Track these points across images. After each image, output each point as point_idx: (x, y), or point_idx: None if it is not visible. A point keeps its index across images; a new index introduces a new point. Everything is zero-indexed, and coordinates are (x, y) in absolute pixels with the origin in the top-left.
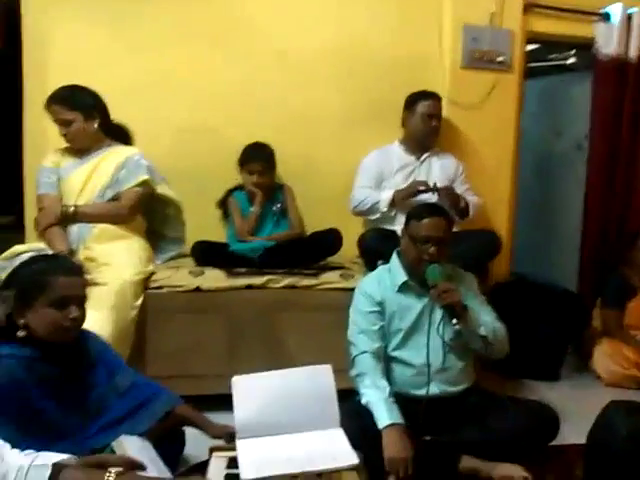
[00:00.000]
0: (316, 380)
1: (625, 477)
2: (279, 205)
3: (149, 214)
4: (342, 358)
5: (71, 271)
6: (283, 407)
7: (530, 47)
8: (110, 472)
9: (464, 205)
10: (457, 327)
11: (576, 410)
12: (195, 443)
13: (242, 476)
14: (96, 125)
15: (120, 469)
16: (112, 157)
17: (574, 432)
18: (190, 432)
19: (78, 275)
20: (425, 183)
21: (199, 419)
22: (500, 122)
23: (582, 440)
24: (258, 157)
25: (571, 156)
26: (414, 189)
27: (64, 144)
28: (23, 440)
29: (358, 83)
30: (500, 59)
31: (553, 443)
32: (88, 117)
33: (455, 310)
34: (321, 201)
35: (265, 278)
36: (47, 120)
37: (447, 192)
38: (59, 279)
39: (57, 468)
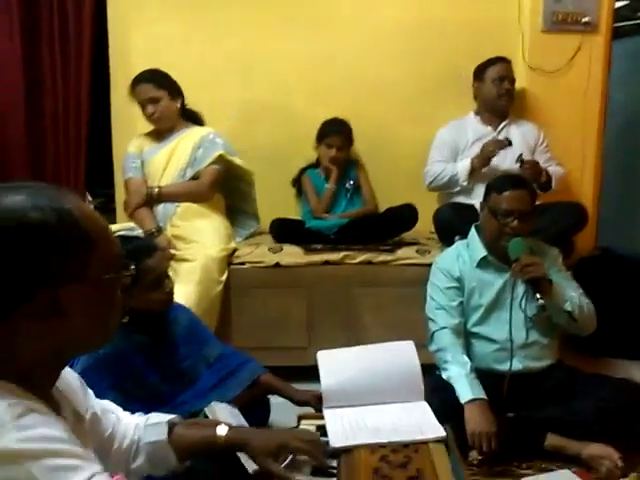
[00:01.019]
0: (400, 355)
1: None
2: (352, 182)
3: (226, 190)
4: (419, 333)
5: (151, 249)
6: (368, 379)
7: (618, 4)
8: (220, 423)
9: (546, 178)
10: (541, 302)
11: None
12: (280, 411)
13: (331, 443)
14: (179, 105)
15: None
16: (189, 138)
17: None
18: (275, 402)
19: (158, 250)
20: (501, 141)
21: (284, 387)
22: (585, 88)
23: None
24: (338, 131)
25: None
26: (489, 150)
27: (148, 129)
28: (128, 406)
29: (433, 54)
30: (585, 19)
31: None
32: (173, 96)
33: (539, 284)
34: (395, 177)
35: (342, 254)
36: (133, 106)
37: (530, 165)
38: (147, 263)
39: (171, 425)
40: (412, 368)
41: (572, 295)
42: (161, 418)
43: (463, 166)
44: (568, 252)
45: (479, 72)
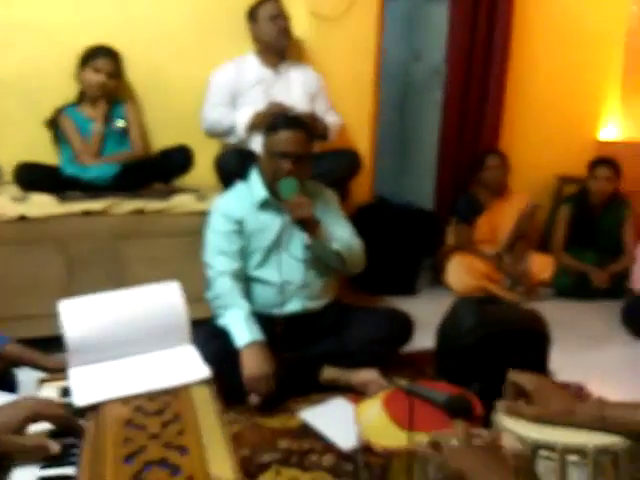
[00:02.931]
0: (161, 297)
1: (472, 364)
2: (121, 122)
3: None
4: (197, 286)
5: None
6: (123, 328)
7: None
8: None
9: (323, 130)
10: (308, 242)
11: (431, 320)
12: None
13: (75, 402)
14: None
15: None
16: None
17: (429, 339)
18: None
19: None
20: (282, 106)
21: (32, 355)
22: (361, 39)
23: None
24: (108, 54)
25: (430, 81)
26: (271, 113)
27: None
28: None
29: None
30: None
31: (408, 350)
32: None
33: (307, 224)
34: (170, 117)
35: (106, 203)
36: None
37: (307, 117)
38: None
39: None
40: (175, 310)
41: (341, 235)
42: None
43: (243, 119)
44: (344, 197)
45: (252, 14)
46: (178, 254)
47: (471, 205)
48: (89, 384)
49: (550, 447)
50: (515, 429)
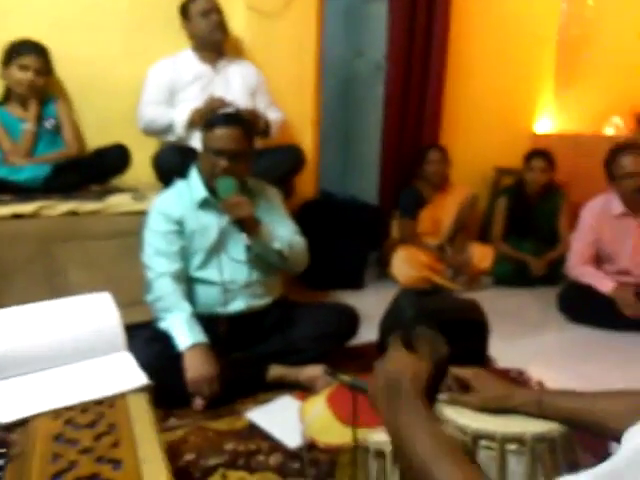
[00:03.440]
0: (91, 307)
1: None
2: (53, 120)
3: None
4: (137, 289)
5: None
6: (50, 340)
7: None
8: None
9: (264, 126)
10: (247, 242)
11: (378, 313)
12: None
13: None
14: None
15: None
16: None
17: (376, 332)
18: None
19: None
20: (223, 102)
21: None
22: (301, 35)
23: None
24: (35, 50)
25: (371, 77)
26: (211, 108)
27: None
28: None
29: None
30: None
31: (356, 343)
32: None
33: (246, 224)
34: (107, 115)
35: (37, 205)
36: None
37: (247, 113)
38: None
39: None
40: (107, 319)
41: (283, 234)
42: None
43: (182, 117)
44: (289, 194)
45: (184, 10)
46: (116, 256)
47: (414, 199)
48: (15, 399)
49: (490, 436)
50: (456, 419)
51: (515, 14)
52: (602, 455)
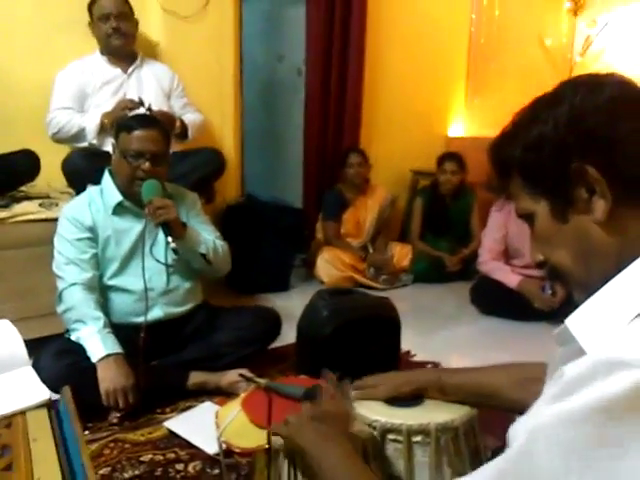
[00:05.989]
0: None
1: (329, 354)
2: None
3: None
4: (49, 300)
5: None
6: None
7: None
8: None
9: (181, 128)
10: (173, 245)
11: None
12: None
13: None
14: None
15: None
16: None
17: None
18: None
19: None
20: (133, 101)
21: None
22: (220, 38)
23: None
24: None
25: (293, 81)
26: (121, 109)
27: None
28: None
29: None
30: None
31: (280, 344)
32: None
33: (171, 228)
34: (14, 120)
35: None
36: None
37: (161, 115)
38: None
39: None
40: (4, 335)
41: (207, 238)
42: None
43: (92, 122)
44: (210, 198)
45: (89, 11)
46: (25, 266)
47: (337, 201)
48: None
49: (396, 430)
50: (366, 415)
51: (430, 22)
52: (504, 438)
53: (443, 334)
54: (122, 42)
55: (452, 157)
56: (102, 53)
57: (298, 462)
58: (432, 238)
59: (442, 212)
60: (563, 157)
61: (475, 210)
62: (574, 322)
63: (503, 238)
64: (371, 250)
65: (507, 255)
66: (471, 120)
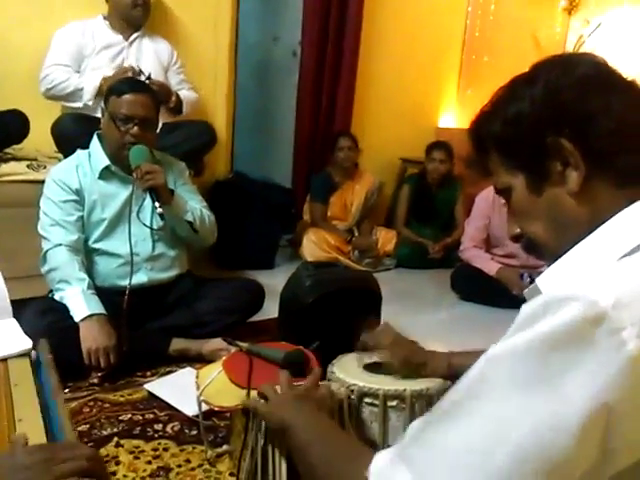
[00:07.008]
0: None
1: (311, 324)
2: None
3: None
4: (34, 261)
5: None
6: None
7: None
8: None
9: (176, 102)
10: (160, 210)
11: None
12: None
13: None
14: None
15: None
16: None
17: None
18: None
19: None
20: (134, 70)
21: None
22: (216, 15)
23: None
24: None
25: (287, 63)
26: (122, 75)
27: None
28: None
29: None
30: None
31: (262, 318)
32: None
33: (158, 193)
34: (5, 81)
35: None
36: None
37: (159, 85)
38: None
39: None
40: None
41: (194, 207)
42: None
43: (91, 83)
44: (199, 171)
45: None
46: (10, 227)
47: (325, 183)
48: None
49: (373, 394)
50: (344, 379)
51: (426, 14)
52: None
53: (423, 318)
54: (143, 13)
55: (441, 146)
56: (106, 17)
57: (276, 439)
58: (417, 225)
59: (428, 200)
60: (539, 132)
61: (460, 200)
62: (543, 279)
63: (485, 227)
64: (356, 233)
65: (488, 244)
66: (462, 112)
